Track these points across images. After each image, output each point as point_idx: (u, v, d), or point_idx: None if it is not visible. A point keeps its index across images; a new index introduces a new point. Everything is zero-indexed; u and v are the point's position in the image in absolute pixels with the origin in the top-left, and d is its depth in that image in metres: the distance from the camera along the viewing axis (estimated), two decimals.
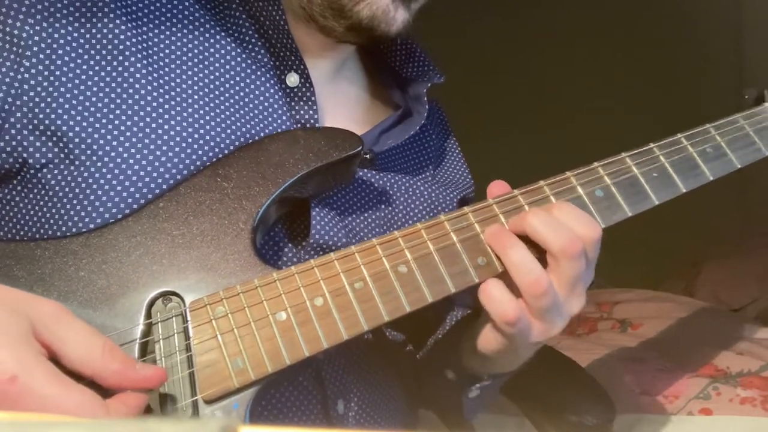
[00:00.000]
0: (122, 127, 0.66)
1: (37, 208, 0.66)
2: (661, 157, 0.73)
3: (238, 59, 0.74)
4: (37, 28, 0.65)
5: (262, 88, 0.74)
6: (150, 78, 0.68)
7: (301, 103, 0.76)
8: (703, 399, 1.17)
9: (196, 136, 0.68)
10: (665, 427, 1.13)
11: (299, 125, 0.76)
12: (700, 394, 1.18)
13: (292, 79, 0.76)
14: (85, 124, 0.65)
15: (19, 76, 0.65)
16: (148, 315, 0.61)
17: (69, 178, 0.65)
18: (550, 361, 1.18)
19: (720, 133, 0.77)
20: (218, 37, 0.74)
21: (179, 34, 0.72)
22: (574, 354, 1.25)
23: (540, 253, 0.65)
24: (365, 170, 0.79)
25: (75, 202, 0.65)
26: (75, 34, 0.67)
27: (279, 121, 0.74)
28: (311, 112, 0.76)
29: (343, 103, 0.83)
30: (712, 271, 2.00)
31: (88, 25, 0.67)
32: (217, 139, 0.69)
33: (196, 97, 0.70)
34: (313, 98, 0.76)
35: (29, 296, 0.54)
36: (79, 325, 0.54)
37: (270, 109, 0.74)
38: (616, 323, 1.59)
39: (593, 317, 1.66)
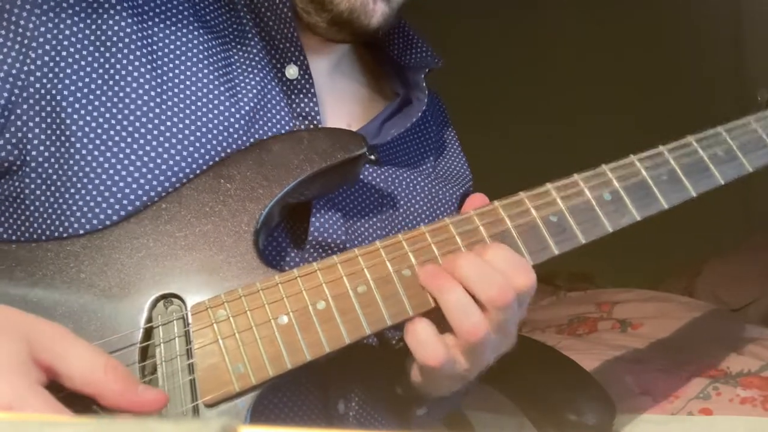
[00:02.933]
0: (125, 122, 0.66)
1: (37, 203, 0.65)
2: (671, 160, 0.72)
3: (238, 54, 0.74)
4: (44, 19, 0.65)
5: (263, 83, 0.74)
6: (153, 75, 0.68)
7: (301, 95, 0.76)
8: (703, 399, 1.17)
9: (198, 134, 0.68)
10: (665, 427, 1.12)
11: (300, 118, 0.75)
12: (700, 394, 1.18)
13: (291, 71, 0.76)
14: (89, 118, 0.65)
15: (25, 68, 0.64)
16: (150, 318, 0.60)
17: (69, 173, 0.64)
18: (550, 361, 1.18)
19: (731, 135, 0.75)
20: (218, 33, 0.74)
21: (179, 33, 0.71)
22: (574, 354, 1.25)
23: None
24: (366, 166, 0.78)
25: (77, 198, 0.64)
26: (80, 28, 0.66)
27: (279, 116, 0.74)
28: (311, 104, 0.76)
29: (342, 97, 0.83)
30: (712, 271, 2.00)
31: (91, 21, 0.67)
32: (220, 138, 0.69)
33: (199, 94, 0.70)
34: (312, 90, 0.76)
35: (28, 318, 0.53)
36: (80, 343, 0.53)
37: (270, 104, 0.73)
38: (616, 323, 1.58)
39: (593, 317, 1.65)
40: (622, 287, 1.83)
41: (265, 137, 0.71)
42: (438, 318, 0.63)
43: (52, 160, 0.65)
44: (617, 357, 1.37)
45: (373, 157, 0.75)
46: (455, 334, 0.63)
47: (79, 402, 0.52)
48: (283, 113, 0.74)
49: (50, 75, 0.65)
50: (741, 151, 0.75)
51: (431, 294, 0.63)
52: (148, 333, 0.60)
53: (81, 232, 0.64)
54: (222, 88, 0.71)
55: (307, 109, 0.76)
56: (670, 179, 0.71)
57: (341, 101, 0.82)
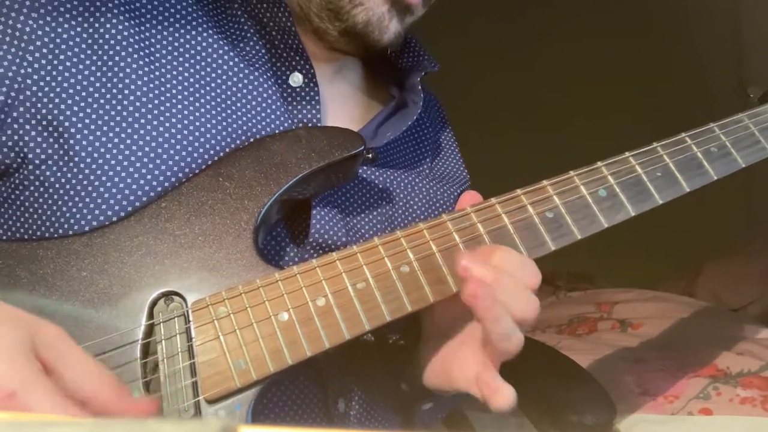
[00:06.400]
0: (123, 124, 0.66)
1: (36, 205, 0.66)
2: (665, 157, 0.73)
3: (237, 59, 0.74)
4: (41, 22, 0.65)
5: (260, 89, 0.74)
6: (150, 77, 0.68)
7: (304, 102, 0.76)
8: (703, 399, 1.17)
9: (197, 134, 0.68)
10: (665, 427, 1.12)
11: (300, 125, 0.76)
12: (700, 394, 1.18)
13: (296, 79, 0.76)
14: (87, 120, 0.65)
15: (22, 71, 0.65)
16: (151, 315, 0.60)
17: (69, 175, 0.65)
18: (550, 361, 1.18)
19: (724, 132, 0.76)
20: (217, 36, 0.74)
21: (176, 34, 0.72)
22: (574, 354, 1.25)
23: None
24: (365, 167, 0.79)
25: (76, 200, 0.65)
26: (77, 32, 0.67)
27: (278, 121, 0.74)
28: (314, 111, 0.76)
29: (341, 101, 0.83)
30: (713, 271, 2.00)
31: (88, 24, 0.67)
32: (218, 138, 0.69)
33: (197, 95, 0.70)
34: (317, 98, 0.76)
35: (32, 317, 0.53)
36: (77, 350, 0.53)
37: (269, 109, 0.74)
38: (616, 323, 1.58)
39: (593, 317, 1.66)
40: (622, 287, 1.83)
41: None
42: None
43: (50, 161, 0.65)
44: (617, 357, 1.37)
45: (370, 155, 0.76)
46: (490, 348, 0.62)
47: None
48: (282, 119, 0.74)
49: (47, 78, 0.65)
50: (734, 148, 0.76)
51: (477, 314, 0.61)
52: (150, 330, 0.60)
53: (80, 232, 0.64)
54: (219, 90, 0.72)
55: (309, 116, 0.76)
56: (665, 175, 0.72)
57: (341, 106, 0.82)
